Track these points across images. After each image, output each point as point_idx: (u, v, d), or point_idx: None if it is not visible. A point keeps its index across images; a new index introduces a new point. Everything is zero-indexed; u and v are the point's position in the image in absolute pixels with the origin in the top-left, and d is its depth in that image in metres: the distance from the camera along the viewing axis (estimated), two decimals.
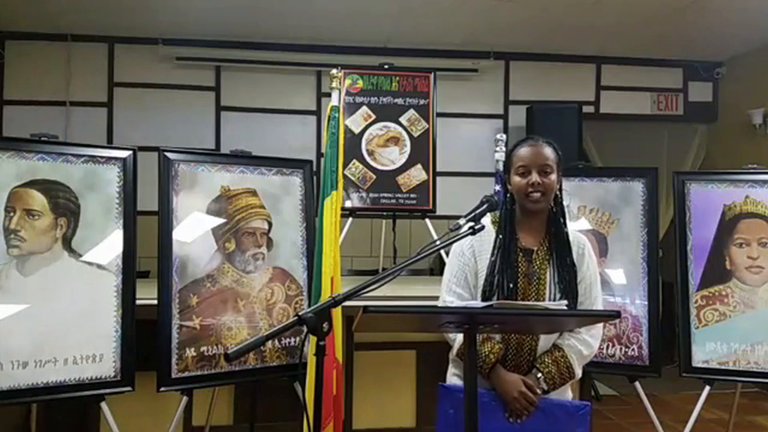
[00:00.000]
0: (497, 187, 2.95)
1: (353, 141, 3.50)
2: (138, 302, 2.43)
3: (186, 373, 2.45)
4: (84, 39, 5.09)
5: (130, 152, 2.51)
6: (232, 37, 5.12)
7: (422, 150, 3.61)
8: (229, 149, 2.85)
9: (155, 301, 2.44)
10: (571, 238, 1.98)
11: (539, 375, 1.89)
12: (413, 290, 3.18)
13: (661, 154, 5.76)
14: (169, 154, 2.57)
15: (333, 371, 2.42)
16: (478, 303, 1.84)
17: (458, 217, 1.77)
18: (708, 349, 2.80)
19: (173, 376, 2.42)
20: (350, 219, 3.51)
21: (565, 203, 2.03)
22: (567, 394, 2.01)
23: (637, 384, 2.90)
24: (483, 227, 1.76)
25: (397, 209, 3.57)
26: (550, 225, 1.98)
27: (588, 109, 5.53)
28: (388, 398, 3.22)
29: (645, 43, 5.26)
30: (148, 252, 2.63)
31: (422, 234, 3.49)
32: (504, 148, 2.99)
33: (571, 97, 5.46)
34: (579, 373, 1.95)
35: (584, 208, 3.02)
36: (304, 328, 1.50)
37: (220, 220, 2.61)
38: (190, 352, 2.46)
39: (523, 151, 1.96)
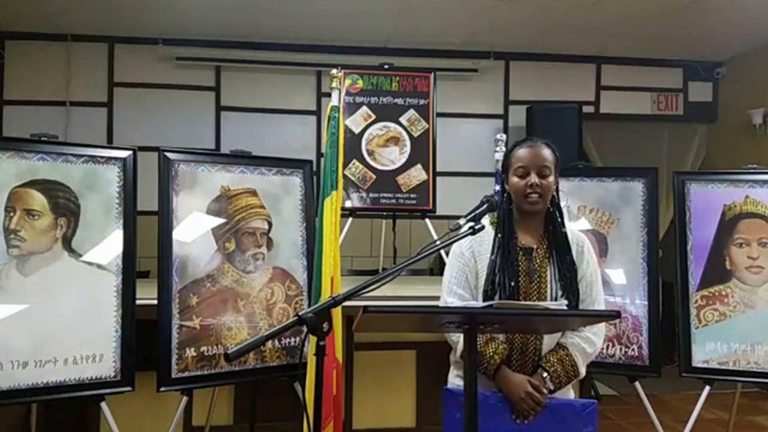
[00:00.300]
0: (497, 187, 2.95)
1: (353, 141, 3.50)
2: (138, 302, 2.43)
3: (186, 373, 2.45)
4: (84, 39, 5.09)
5: (130, 152, 2.51)
6: (232, 37, 5.12)
7: (422, 150, 3.61)
8: (229, 149, 2.85)
9: (155, 301, 2.44)
10: (569, 237, 1.98)
11: (545, 375, 1.89)
12: (413, 290, 3.18)
13: (661, 154, 5.76)
14: (169, 154, 2.57)
15: (333, 371, 2.42)
16: (478, 303, 1.84)
17: (458, 217, 1.77)
18: (708, 349, 2.80)
19: (173, 376, 2.42)
20: (350, 219, 3.51)
21: (562, 204, 2.03)
22: (569, 393, 2.01)
23: (637, 384, 2.91)
24: (483, 227, 1.76)
25: (397, 209, 3.57)
26: (547, 224, 1.99)
27: (588, 109, 5.52)
28: (388, 398, 3.22)
29: (645, 43, 5.26)
30: (148, 252, 2.63)
31: (422, 234, 3.49)
32: (504, 148, 2.99)
33: (571, 97, 5.45)
34: (583, 371, 1.94)
35: (584, 208, 3.02)
36: (304, 328, 1.50)
37: (220, 220, 2.61)
38: (190, 352, 2.46)
39: (522, 152, 1.96)
